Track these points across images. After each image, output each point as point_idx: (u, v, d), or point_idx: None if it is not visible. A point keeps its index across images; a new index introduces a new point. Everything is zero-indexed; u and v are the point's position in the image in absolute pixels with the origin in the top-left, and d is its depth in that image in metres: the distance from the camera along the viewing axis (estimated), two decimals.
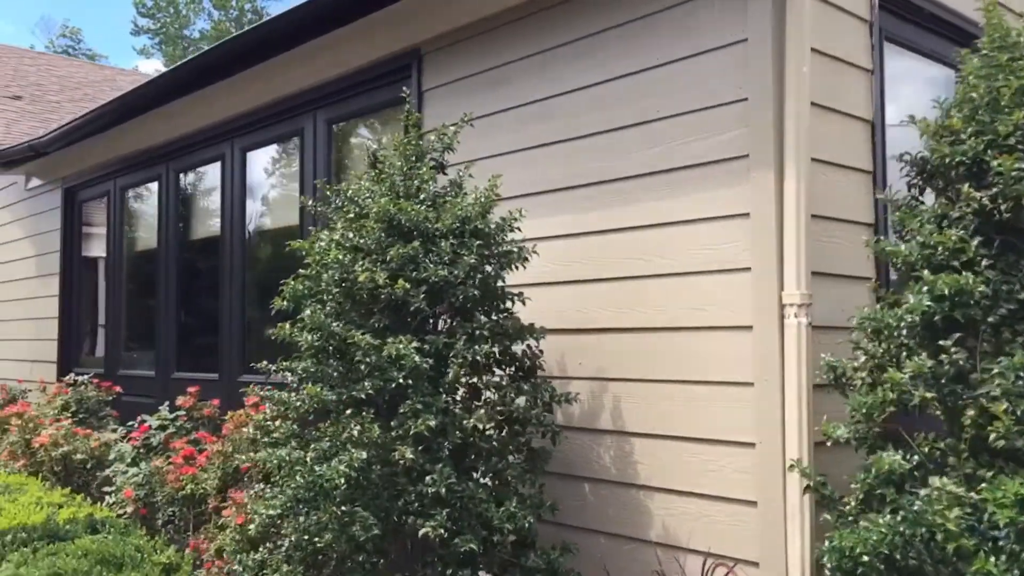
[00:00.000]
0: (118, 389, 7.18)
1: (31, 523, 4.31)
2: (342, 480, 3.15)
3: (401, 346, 3.24)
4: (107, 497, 5.43)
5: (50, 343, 9.16)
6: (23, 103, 12.21)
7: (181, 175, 7.45)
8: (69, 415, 6.97)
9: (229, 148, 6.74)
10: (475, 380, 3.53)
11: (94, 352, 8.96)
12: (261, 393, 3.68)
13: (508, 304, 3.66)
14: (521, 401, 3.56)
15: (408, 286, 3.33)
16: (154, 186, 7.79)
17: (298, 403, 3.48)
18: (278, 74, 5.95)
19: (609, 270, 3.94)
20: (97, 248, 8.98)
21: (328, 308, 3.52)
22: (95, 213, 8.99)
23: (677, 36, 3.74)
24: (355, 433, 3.24)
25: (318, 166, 5.87)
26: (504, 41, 4.54)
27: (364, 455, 3.19)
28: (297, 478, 3.25)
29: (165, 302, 7.45)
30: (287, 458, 3.32)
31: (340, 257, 3.44)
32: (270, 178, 6.67)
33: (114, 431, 6.72)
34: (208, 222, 7.23)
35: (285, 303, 3.62)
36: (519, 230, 3.71)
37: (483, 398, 3.57)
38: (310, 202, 3.92)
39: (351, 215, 3.64)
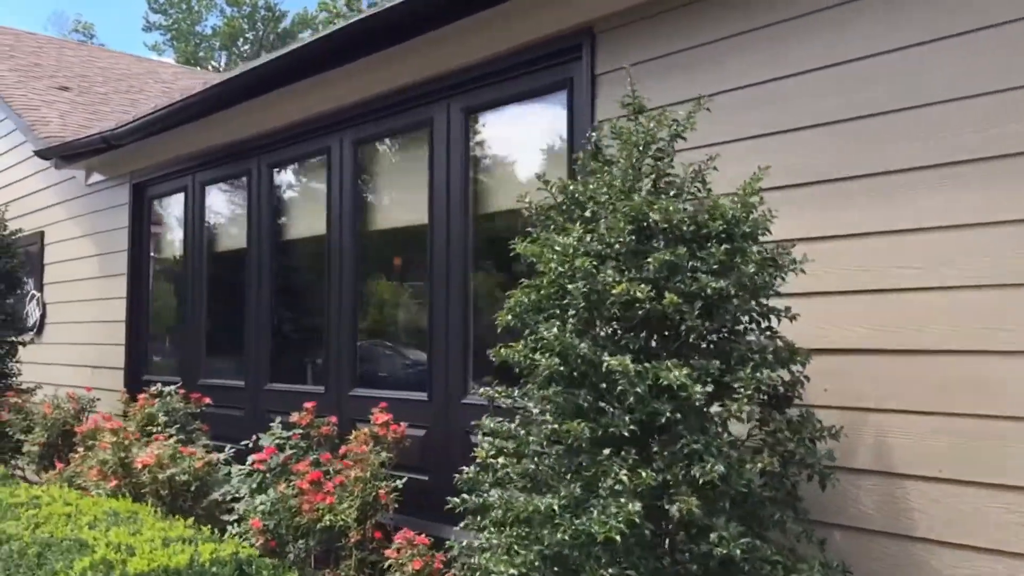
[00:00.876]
0: (208, 400, 6.61)
1: (174, 565, 3.74)
2: (617, 537, 2.58)
3: (674, 373, 2.68)
4: (229, 528, 4.86)
5: (115, 348, 8.61)
6: (72, 94, 11.65)
7: (275, 170, 6.88)
8: (159, 429, 6.41)
9: (337, 141, 6.18)
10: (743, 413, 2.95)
11: (166, 358, 8.39)
12: (491, 425, 3.10)
13: (773, 322, 3.09)
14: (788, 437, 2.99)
15: (679, 300, 2.76)
16: (242, 182, 7.23)
17: (533, 438, 2.92)
18: (400, 60, 5.38)
19: (865, 280, 3.36)
20: (170, 247, 8.41)
21: (569, 325, 2.94)
22: (168, 210, 8.42)
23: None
24: (623, 478, 2.66)
25: (452, 160, 5.30)
26: (712, 15, 3.97)
27: (638, 506, 2.61)
28: (558, 534, 2.67)
29: (256, 306, 6.89)
30: (537, 506, 2.74)
31: (586, 265, 2.86)
32: (387, 174, 6.08)
33: (206, 447, 6.15)
34: (309, 220, 6.66)
35: (510, 318, 3.05)
36: (769, 232, 3.14)
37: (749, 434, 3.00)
38: (527, 200, 3.33)
39: (585, 214, 3.07)
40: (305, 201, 6.82)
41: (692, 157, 3.25)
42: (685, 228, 2.94)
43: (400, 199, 5.99)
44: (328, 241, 6.20)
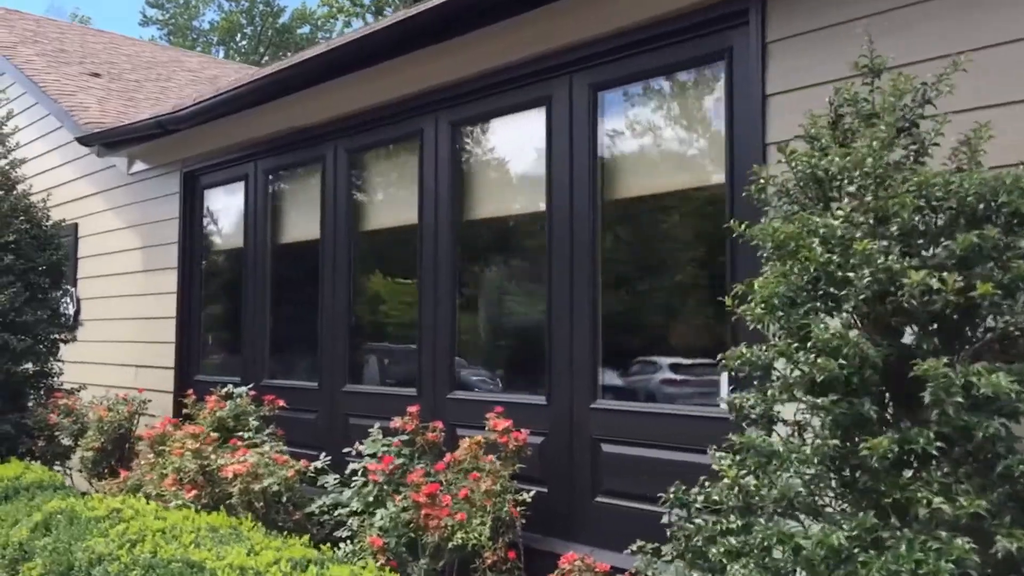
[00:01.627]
0: (281, 403, 6.12)
1: None
2: None
3: (994, 378, 2.21)
4: (343, 545, 4.37)
5: (163, 346, 8.10)
6: (103, 81, 11.13)
7: (355, 155, 6.38)
8: (231, 433, 5.94)
9: (432, 123, 5.69)
10: None
11: (222, 357, 7.89)
12: (747, 438, 2.61)
13: None
14: None
15: (994, 290, 2.29)
16: (315, 168, 6.73)
17: (803, 455, 2.44)
18: (514, 32, 4.92)
19: None
20: (227, 239, 7.91)
21: (839, 320, 2.48)
22: (225, 200, 7.92)
23: None
24: (941, 506, 2.19)
25: (576, 140, 4.83)
26: None
27: (967, 543, 2.14)
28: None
29: (332, 301, 6.40)
30: (828, 541, 2.26)
31: (870, 249, 2.39)
32: (491, 157, 5.60)
33: (281, 454, 5.66)
34: (396, 208, 6.18)
35: (760, 311, 2.57)
36: None
37: None
38: (763, 178, 2.85)
39: (849, 189, 2.60)
40: (390, 188, 6.33)
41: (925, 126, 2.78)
42: (978, 205, 2.47)
43: (510, 184, 5.50)
44: (420, 231, 5.72)
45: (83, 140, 8.51)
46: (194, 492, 5.22)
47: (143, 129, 7.61)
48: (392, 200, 6.28)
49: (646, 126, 4.72)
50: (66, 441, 7.14)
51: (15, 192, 7.56)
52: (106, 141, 8.37)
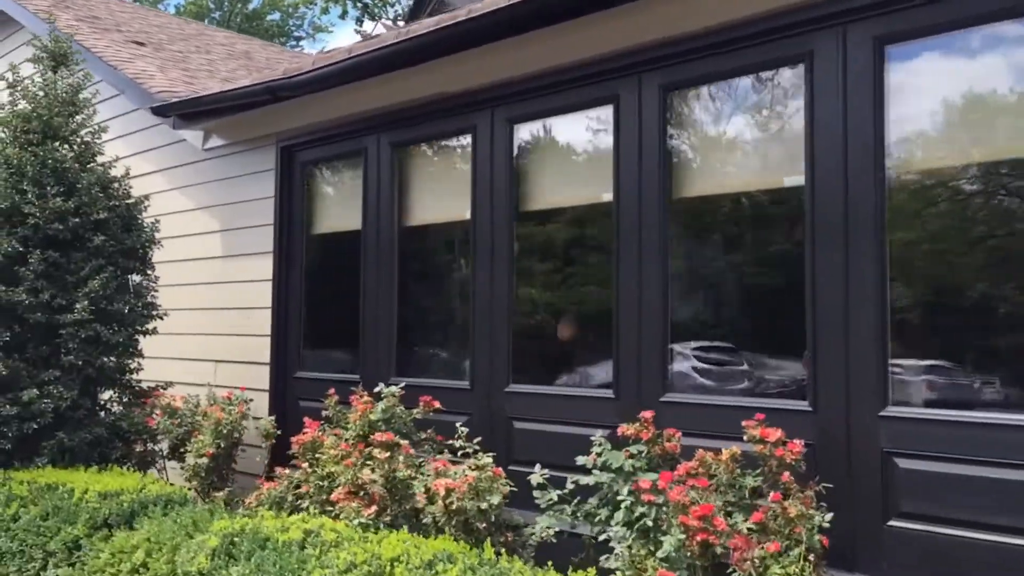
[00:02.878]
0: (437, 404, 5.36)
1: None
2: None
3: None
4: None
5: (254, 340, 7.29)
6: (149, 50, 10.22)
7: (518, 126, 5.64)
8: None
9: (634, 87, 4.99)
10: None
11: (331, 352, 7.10)
12: None
13: None
14: None
15: None
16: (460, 141, 5.99)
17: None
18: None
19: None
20: (337, 220, 7.11)
21: None
22: (334, 177, 7.12)
23: None
24: None
25: (852, 105, 4.15)
26: None
27: None
28: None
29: (489, 290, 5.66)
30: None
31: None
32: (722, 126, 4.89)
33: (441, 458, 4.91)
34: (577, 184, 5.46)
35: None
36: None
37: None
38: None
39: None
40: (569, 161, 5.60)
41: None
42: None
43: (740, 157, 4.82)
44: (617, 210, 5.01)
45: (159, 111, 7.65)
46: (373, 508, 4.48)
47: (243, 96, 6.80)
48: (571, 175, 5.55)
49: (932, 88, 4.06)
50: (163, 446, 6.33)
51: (100, 165, 6.69)
52: (188, 111, 7.52)
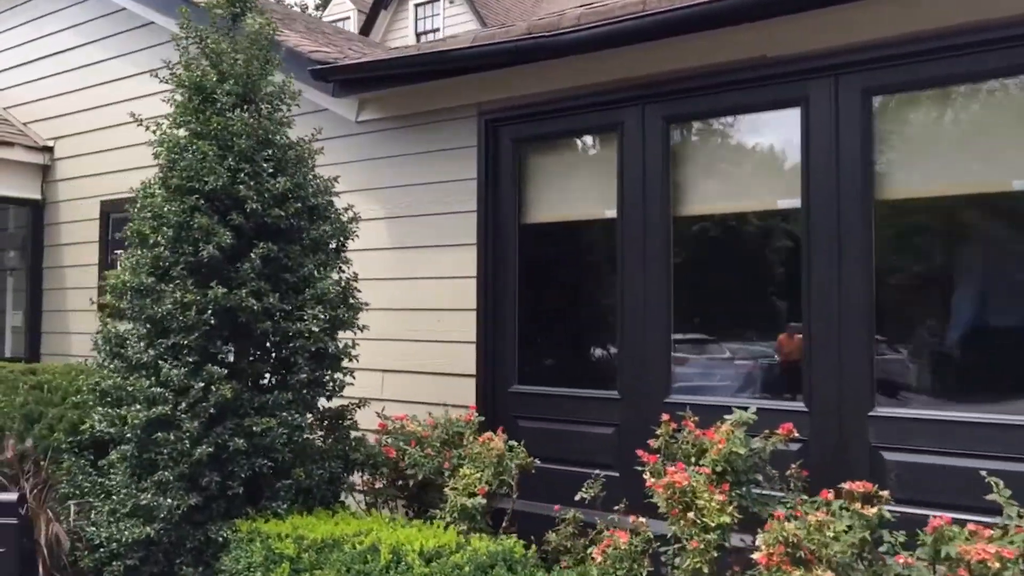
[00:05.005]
0: (795, 432, 4.47)
1: None
2: None
3: None
4: None
5: (450, 347, 6.23)
6: (299, 26, 8.89)
7: (876, 98, 4.78)
8: (731, 478, 4.30)
9: None
10: None
11: (558, 361, 6.09)
12: None
13: None
14: None
15: None
16: (777, 116, 5.09)
17: None
18: None
19: None
20: (568, 207, 6.08)
21: None
22: (559, 157, 6.10)
23: None
24: None
25: None
26: None
27: None
28: None
29: (838, 290, 4.79)
30: None
31: None
32: None
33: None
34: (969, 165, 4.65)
35: None
36: None
37: None
38: None
39: None
40: (951, 140, 4.77)
41: None
42: None
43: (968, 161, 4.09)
44: None
45: (320, 74, 6.45)
46: None
47: (448, 60, 5.71)
48: (960, 155, 4.72)
49: None
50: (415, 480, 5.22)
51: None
52: (356, 77, 6.38)
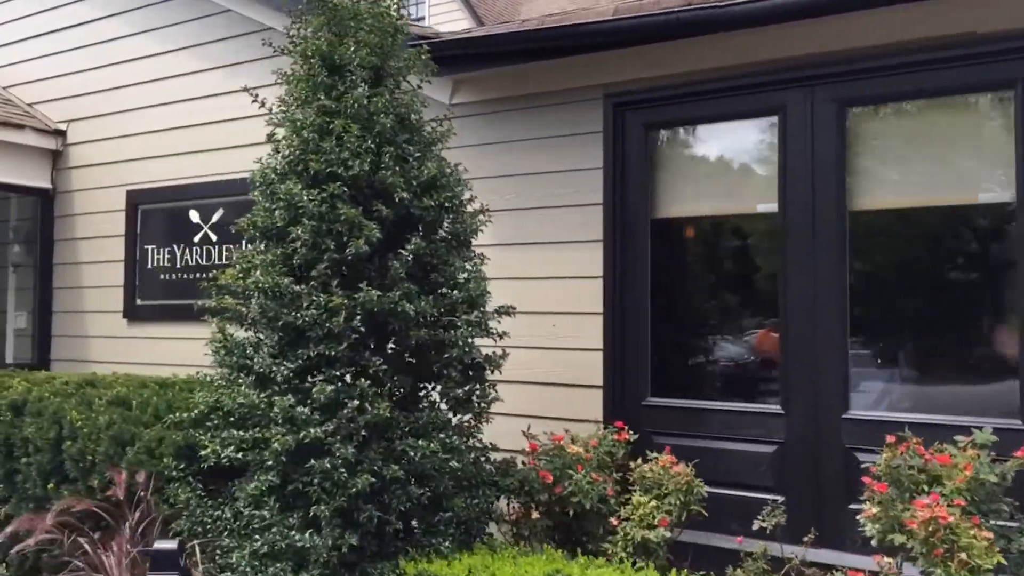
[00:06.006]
0: None
1: None
2: None
3: None
4: None
5: (569, 355, 5.62)
6: None
7: None
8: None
9: None
10: None
11: (699, 374, 5.52)
12: None
13: None
14: None
15: None
16: (988, 99, 4.60)
17: None
18: None
19: None
20: (700, 201, 5.52)
21: None
22: (694, 144, 5.53)
23: None
24: None
25: None
26: None
27: None
28: None
29: None
30: None
31: None
32: None
33: None
34: None
35: None
36: None
37: None
38: None
39: None
40: None
41: None
42: None
43: None
44: None
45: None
46: None
47: (581, 35, 5.11)
48: None
49: None
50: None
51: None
52: (455, 53, 5.71)
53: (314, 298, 4.06)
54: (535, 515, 4.51)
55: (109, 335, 8.01)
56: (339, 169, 4.17)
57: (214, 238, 7.33)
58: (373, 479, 3.85)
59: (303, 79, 4.44)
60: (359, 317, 4.03)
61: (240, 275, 4.32)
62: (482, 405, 4.53)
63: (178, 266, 7.55)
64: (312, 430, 3.87)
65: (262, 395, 4.05)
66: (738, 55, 5.12)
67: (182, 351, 7.29)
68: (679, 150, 5.56)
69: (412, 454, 4.01)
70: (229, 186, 7.18)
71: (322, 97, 4.36)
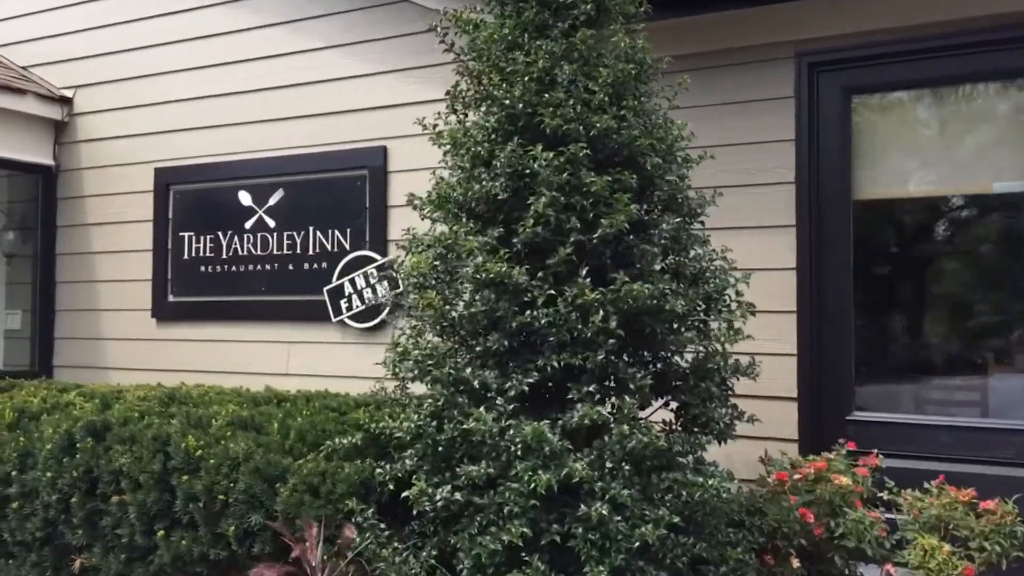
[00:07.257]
0: None
1: None
2: None
3: None
4: None
5: (764, 361, 4.72)
6: None
7: None
8: None
9: None
10: None
11: (921, 383, 4.71)
12: None
13: None
14: None
15: None
16: None
17: None
18: None
19: None
20: (906, 180, 4.72)
21: None
22: (912, 110, 4.72)
23: None
24: None
25: None
26: None
27: None
28: None
29: None
30: None
31: None
32: None
33: None
34: None
35: None
36: None
37: None
38: None
39: None
40: None
41: None
42: None
43: None
44: None
45: None
46: None
47: None
48: None
49: None
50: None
51: None
52: None
53: (550, 292, 3.11)
54: (795, 563, 3.61)
55: (132, 337, 6.83)
56: (580, 126, 3.21)
57: (271, 224, 6.24)
58: (664, 530, 2.91)
59: (511, 16, 3.46)
60: (615, 317, 3.09)
61: (435, 261, 3.33)
62: (724, 424, 3.62)
63: (224, 256, 6.43)
64: (575, 465, 2.91)
65: (490, 419, 3.07)
66: (966, 7, 4.32)
67: (233, 356, 6.23)
68: (888, 119, 4.74)
69: (684, 494, 3.09)
70: (292, 162, 6.14)
71: (537, 36, 3.40)
